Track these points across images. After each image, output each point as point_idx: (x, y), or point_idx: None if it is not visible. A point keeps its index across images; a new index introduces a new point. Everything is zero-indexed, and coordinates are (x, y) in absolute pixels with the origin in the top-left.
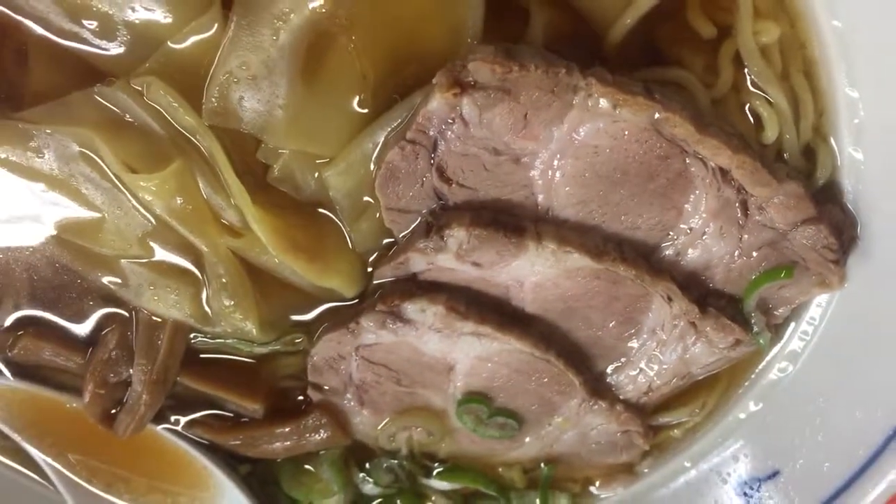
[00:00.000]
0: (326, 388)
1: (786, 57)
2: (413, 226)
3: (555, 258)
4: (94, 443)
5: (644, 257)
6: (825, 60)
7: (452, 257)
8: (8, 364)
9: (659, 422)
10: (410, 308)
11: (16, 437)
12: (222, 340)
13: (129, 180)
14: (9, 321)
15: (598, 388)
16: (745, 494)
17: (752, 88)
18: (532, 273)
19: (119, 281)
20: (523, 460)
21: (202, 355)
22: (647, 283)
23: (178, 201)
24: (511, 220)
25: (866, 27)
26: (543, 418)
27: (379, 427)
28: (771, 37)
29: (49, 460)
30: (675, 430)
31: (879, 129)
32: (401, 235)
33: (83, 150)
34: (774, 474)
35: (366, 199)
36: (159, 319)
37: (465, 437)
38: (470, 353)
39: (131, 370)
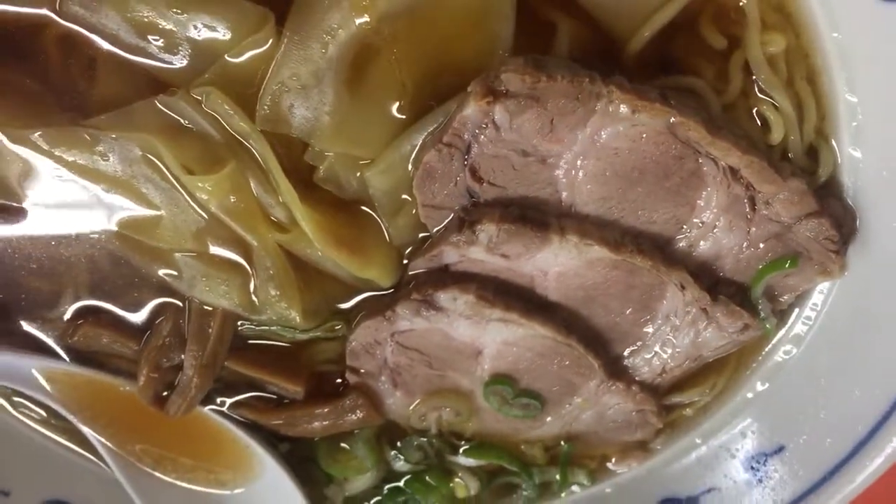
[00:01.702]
0: (363, 371)
1: (791, 65)
2: (446, 221)
3: (577, 250)
4: (144, 424)
5: (659, 249)
6: (827, 69)
7: (483, 250)
8: (67, 350)
9: (672, 401)
10: (443, 297)
11: (72, 417)
12: (267, 327)
13: (187, 181)
14: (70, 311)
15: (616, 370)
16: (753, 468)
17: (759, 94)
18: (556, 264)
19: (174, 273)
20: (544, 438)
21: (248, 341)
22: (661, 272)
23: (232, 200)
24: (537, 216)
25: (863, 39)
26: (564, 399)
27: (411, 407)
28: (777, 47)
29: (102, 440)
30: (687, 409)
31: (876, 130)
32: (435, 230)
33: (145, 153)
34: (780, 449)
35: (403, 196)
36: (210, 308)
37: (491, 416)
38: (497, 339)
39: (183, 355)
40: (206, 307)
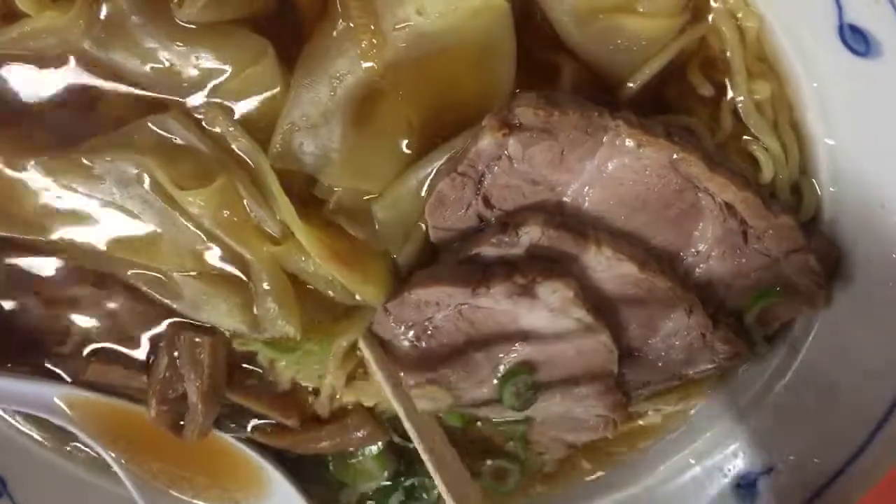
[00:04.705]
0: (392, 315)
1: (776, 112)
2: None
3: (608, 263)
4: (160, 445)
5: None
6: (808, 115)
7: (523, 253)
8: (83, 384)
9: (644, 409)
10: (545, 287)
11: (92, 442)
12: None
13: (179, 196)
14: (78, 350)
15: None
16: (744, 487)
17: (748, 136)
18: (583, 277)
19: (178, 295)
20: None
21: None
22: (677, 294)
23: (225, 214)
24: (576, 225)
25: (839, 89)
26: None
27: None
28: (763, 94)
29: (121, 461)
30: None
31: (852, 170)
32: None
33: (140, 173)
34: (769, 470)
35: (408, 229)
36: (199, 340)
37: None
38: (550, 331)
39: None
40: (195, 339)
